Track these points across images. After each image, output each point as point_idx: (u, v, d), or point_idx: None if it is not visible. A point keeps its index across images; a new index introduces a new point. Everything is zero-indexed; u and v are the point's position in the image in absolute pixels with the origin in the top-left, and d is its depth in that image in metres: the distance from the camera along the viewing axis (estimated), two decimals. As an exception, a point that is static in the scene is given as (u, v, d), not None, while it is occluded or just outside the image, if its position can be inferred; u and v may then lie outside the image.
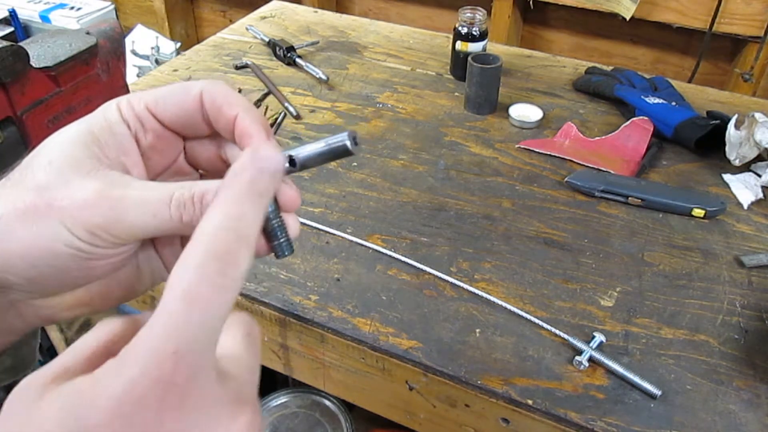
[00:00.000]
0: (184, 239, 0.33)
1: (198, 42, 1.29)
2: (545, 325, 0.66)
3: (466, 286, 0.71)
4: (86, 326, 1.01)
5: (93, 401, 0.21)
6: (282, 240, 0.29)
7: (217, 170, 0.33)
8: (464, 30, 1.09)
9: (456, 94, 1.10)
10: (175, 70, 1.16)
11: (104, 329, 0.25)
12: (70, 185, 0.27)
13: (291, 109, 1.03)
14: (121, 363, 0.22)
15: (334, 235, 0.78)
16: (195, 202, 0.27)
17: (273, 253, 0.30)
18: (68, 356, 0.24)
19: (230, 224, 0.24)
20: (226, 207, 0.25)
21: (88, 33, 0.83)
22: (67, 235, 0.26)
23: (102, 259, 0.28)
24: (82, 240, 0.27)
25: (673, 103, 0.99)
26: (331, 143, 0.29)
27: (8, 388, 0.25)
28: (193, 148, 0.33)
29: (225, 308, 0.23)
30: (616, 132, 0.97)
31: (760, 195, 0.87)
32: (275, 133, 0.99)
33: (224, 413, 0.24)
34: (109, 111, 0.29)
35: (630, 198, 0.84)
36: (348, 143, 0.29)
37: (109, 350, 0.24)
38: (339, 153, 0.29)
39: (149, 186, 0.28)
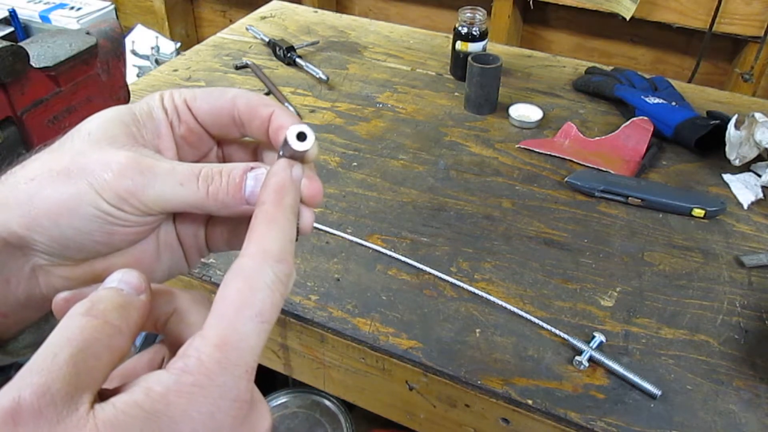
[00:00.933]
0: (208, 231, 0.34)
1: (198, 42, 1.29)
2: (545, 325, 0.66)
3: (466, 286, 0.71)
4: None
5: (177, 424, 0.22)
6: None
7: None
8: (464, 30, 1.09)
9: (456, 94, 1.10)
10: (175, 70, 1.16)
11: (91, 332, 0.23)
12: (104, 152, 0.28)
13: (291, 109, 1.03)
14: (194, 383, 0.22)
15: (334, 235, 0.78)
16: (223, 175, 0.29)
17: None
18: (75, 362, 0.21)
19: (289, 246, 0.26)
20: (280, 226, 0.27)
21: (88, 33, 0.83)
22: (94, 196, 0.27)
23: (125, 226, 0.29)
24: (109, 203, 0.27)
25: (673, 103, 0.99)
26: (284, 138, 0.29)
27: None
28: (231, 155, 0.35)
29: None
30: (616, 132, 0.97)
31: (760, 195, 0.87)
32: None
33: (265, 412, 0.26)
34: (152, 98, 0.32)
35: (630, 198, 0.84)
36: (290, 138, 0.28)
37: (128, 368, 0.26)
38: (288, 148, 0.29)
39: (179, 162, 0.29)
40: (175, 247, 0.33)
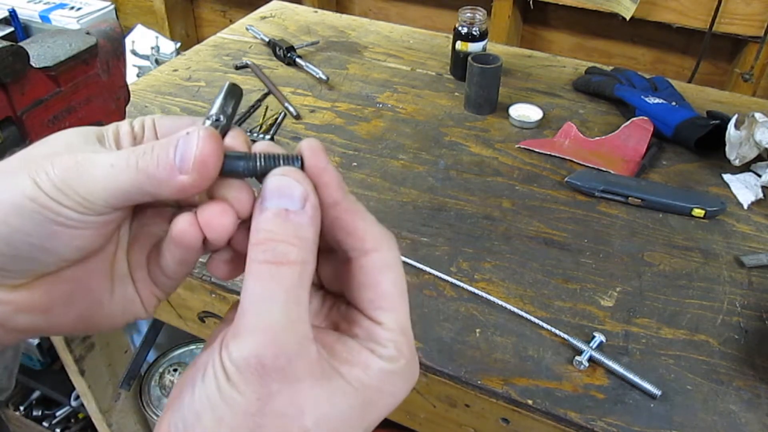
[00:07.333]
0: (151, 274, 0.32)
1: (198, 42, 1.29)
2: (545, 325, 0.66)
3: (466, 286, 0.71)
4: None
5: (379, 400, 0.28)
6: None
7: None
8: (464, 30, 1.09)
9: (456, 94, 1.10)
10: (175, 70, 1.16)
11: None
12: (53, 152, 0.28)
13: (291, 109, 1.03)
14: (398, 369, 0.28)
15: (334, 235, 0.78)
16: (155, 147, 0.27)
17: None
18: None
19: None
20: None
21: (88, 33, 0.83)
22: (33, 188, 0.26)
23: (68, 226, 0.27)
24: (48, 195, 0.26)
25: (673, 103, 0.99)
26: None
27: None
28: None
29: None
30: (616, 132, 0.97)
31: (760, 195, 0.87)
32: (275, 133, 0.98)
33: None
34: (124, 121, 0.32)
35: (630, 198, 0.84)
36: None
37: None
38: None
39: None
40: (128, 281, 0.32)
